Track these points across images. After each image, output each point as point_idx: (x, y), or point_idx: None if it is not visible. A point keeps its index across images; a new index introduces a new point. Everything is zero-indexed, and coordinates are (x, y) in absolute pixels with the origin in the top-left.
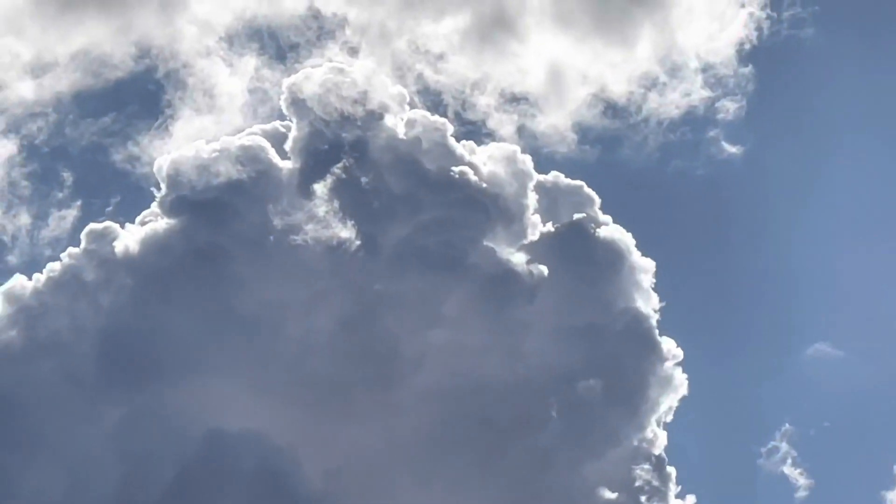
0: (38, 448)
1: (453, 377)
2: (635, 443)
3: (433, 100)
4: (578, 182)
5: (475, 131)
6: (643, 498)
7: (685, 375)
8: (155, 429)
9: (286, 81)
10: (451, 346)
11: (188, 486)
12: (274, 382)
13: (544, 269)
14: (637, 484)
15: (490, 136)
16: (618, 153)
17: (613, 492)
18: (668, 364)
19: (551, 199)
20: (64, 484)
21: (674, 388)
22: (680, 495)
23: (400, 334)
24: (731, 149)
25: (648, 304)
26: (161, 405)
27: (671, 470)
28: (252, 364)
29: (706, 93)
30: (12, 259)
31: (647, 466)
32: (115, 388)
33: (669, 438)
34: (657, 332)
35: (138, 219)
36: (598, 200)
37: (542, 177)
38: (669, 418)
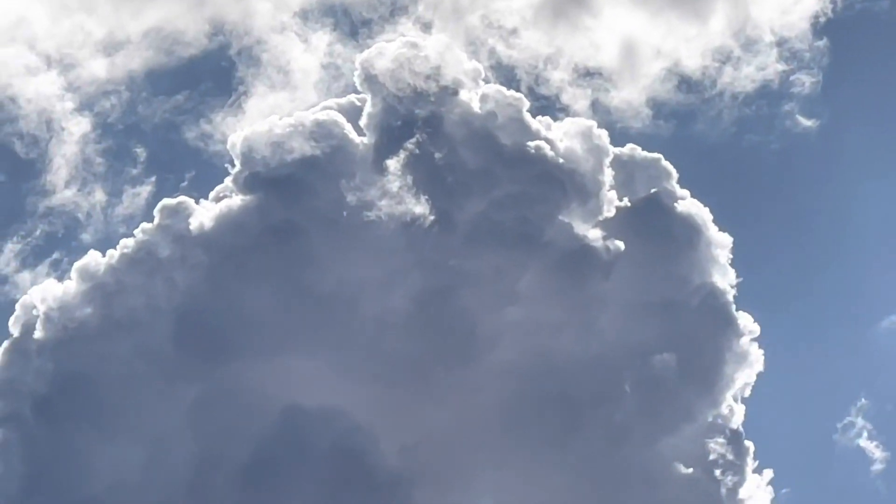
0: (114, 426)
1: (529, 354)
2: (710, 418)
3: (506, 75)
4: (655, 155)
5: (548, 106)
6: (718, 472)
7: (761, 351)
8: (231, 406)
9: (359, 57)
10: (526, 323)
11: (265, 463)
12: (350, 360)
13: (620, 245)
14: (712, 458)
15: (563, 111)
16: (692, 128)
17: (689, 467)
18: (745, 339)
19: (627, 174)
20: (141, 461)
21: (749, 364)
22: (757, 470)
23: (476, 311)
24: (807, 122)
25: (725, 279)
26: (237, 382)
27: (749, 444)
28: (328, 341)
29: (781, 66)
30: (87, 237)
31: (722, 441)
32: (192, 365)
33: (746, 413)
34: (734, 307)
35: (212, 194)
36: (675, 174)
37: (618, 150)
38: (747, 393)
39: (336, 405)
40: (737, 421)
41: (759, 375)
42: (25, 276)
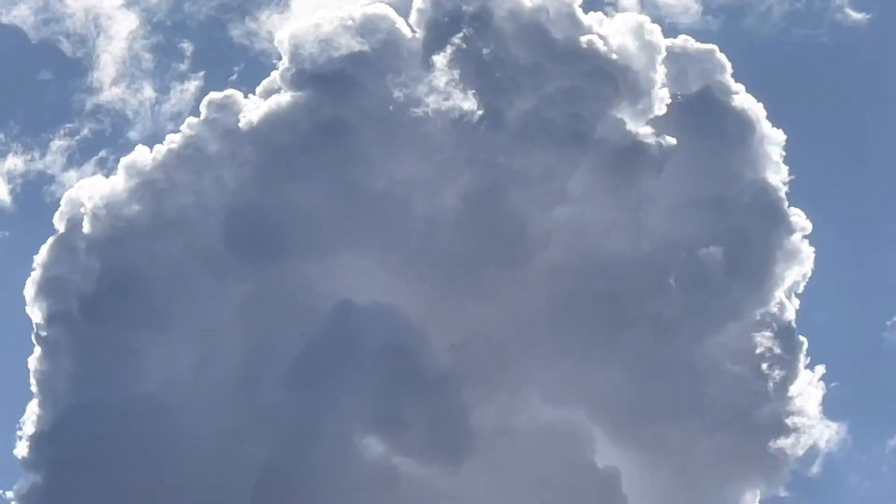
0: (165, 324)
1: (578, 253)
2: (759, 316)
3: None
4: (709, 46)
5: (597, 1)
6: (765, 366)
7: (812, 248)
8: (282, 303)
9: None
10: (576, 222)
11: (315, 360)
12: (400, 258)
13: (672, 141)
14: (759, 352)
15: (612, 5)
16: (741, 23)
17: (737, 364)
18: (796, 237)
19: (680, 68)
20: (191, 359)
21: (800, 262)
22: (809, 366)
23: (525, 210)
24: (857, 16)
25: (777, 176)
26: (288, 280)
27: (802, 340)
28: (378, 240)
29: None
30: (134, 135)
31: (770, 335)
32: (242, 263)
33: (799, 310)
34: (786, 204)
35: (259, 89)
36: (729, 67)
37: (670, 41)
38: (800, 290)
39: (387, 303)
40: (788, 317)
41: (811, 272)
42: (72, 175)
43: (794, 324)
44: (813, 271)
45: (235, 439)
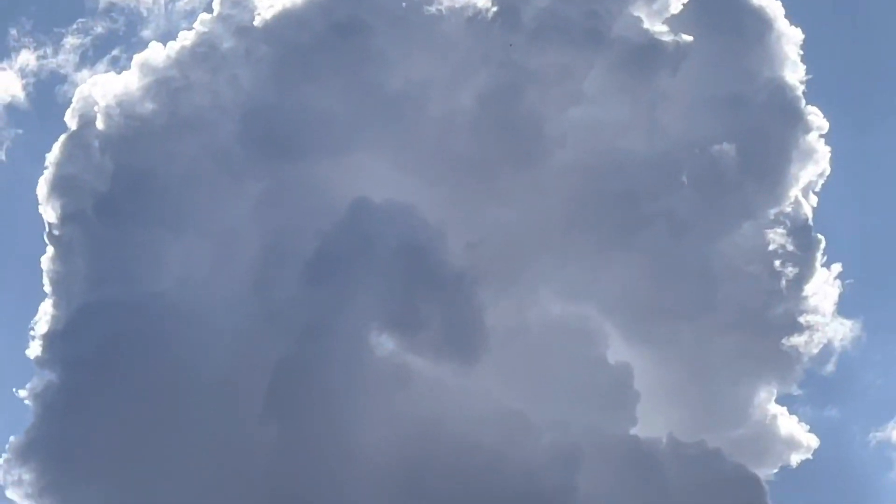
0: (180, 223)
1: (594, 152)
2: (773, 215)
3: None
4: None
5: None
6: (778, 263)
7: (828, 148)
8: (297, 201)
9: None
10: (592, 121)
11: (331, 258)
12: (416, 157)
13: (689, 39)
14: (772, 248)
15: None
16: None
17: (753, 262)
18: (812, 135)
19: None
20: (207, 258)
21: (815, 161)
22: (825, 264)
23: (541, 109)
24: None
25: (794, 74)
26: (304, 179)
27: (819, 238)
28: (394, 139)
29: None
30: (148, 33)
31: (783, 232)
32: (257, 162)
33: (816, 209)
34: (803, 102)
35: None
36: None
37: None
38: (817, 188)
39: (402, 201)
40: (804, 215)
41: (828, 172)
42: (85, 74)
43: (810, 222)
44: (831, 170)
45: (250, 337)
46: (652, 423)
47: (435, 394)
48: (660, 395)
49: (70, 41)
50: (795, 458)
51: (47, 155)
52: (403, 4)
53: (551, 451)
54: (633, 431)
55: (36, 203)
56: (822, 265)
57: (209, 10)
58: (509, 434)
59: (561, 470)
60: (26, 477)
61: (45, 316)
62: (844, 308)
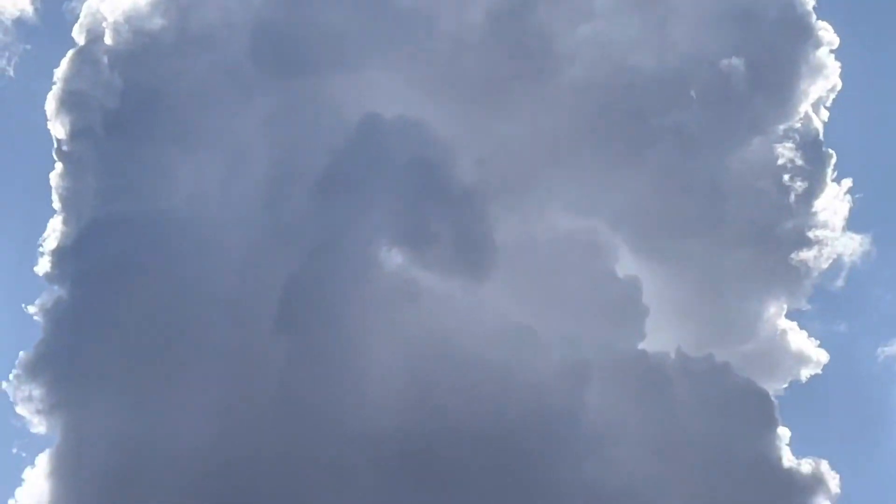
0: (190, 140)
1: (604, 68)
2: (782, 130)
3: None
4: None
5: None
6: (787, 177)
7: (838, 63)
8: (308, 117)
9: None
10: (602, 38)
11: (341, 175)
12: (428, 74)
13: None
14: (780, 163)
15: None
16: None
17: (763, 178)
18: (823, 51)
19: None
20: (218, 174)
21: (825, 76)
22: (836, 179)
23: (551, 27)
24: None
25: None
26: (314, 94)
27: (830, 153)
28: (406, 56)
29: None
30: None
31: (791, 146)
32: (268, 78)
33: (827, 124)
34: (813, 17)
35: None
36: None
37: None
38: (827, 104)
39: (413, 117)
40: (814, 130)
41: (839, 87)
42: None
43: (821, 137)
44: (842, 85)
45: (260, 253)
46: (660, 337)
47: (444, 309)
48: (668, 310)
49: None
50: (805, 373)
51: (56, 71)
52: None
53: (560, 367)
54: (641, 346)
55: (44, 119)
56: (833, 180)
57: None
58: (518, 350)
59: (570, 385)
60: (36, 393)
61: (53, 232)
62: (854, 223)
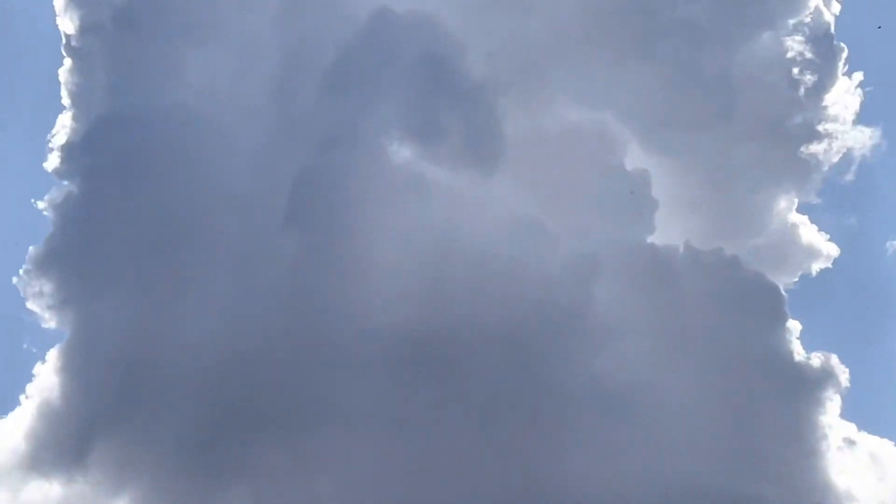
0: (201, 34)
1: None
2: (792, 24)
3: None
4: None
5: None
6: (796, 70)
7: None
8: (319, 10)
9: None
10: None
11: (352, 69)
12: None
13: None
14: (790, 56)
15: None
16: None
17: (773, 72)
18: None
19: None
20: (227, 68)
21: None
22: (847, 73)
23: None
24: None
25: None
26: None
27: (842, 46)
28: None
29: None
30: None
31: (801, 39)
32: None
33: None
34: None
35: None
36: None
37: None
38: None
39: (424, 11)
40: (825, 24)
41: None
42: None
43: (832, 30)
44: None
45: (270, 147)
46: (669, 231)
47: (453, 203)
48: (677, 204)
49: None
50: (815, 267)
51: None
52: None
53: (568, 261)
54: (650, 240)
55: (53, 14)
56: (843, 74)
57: None
58: (526, 243)
59: (578, 279)
60: (47, 288)
61: (63, 129)
62: (864, 116)
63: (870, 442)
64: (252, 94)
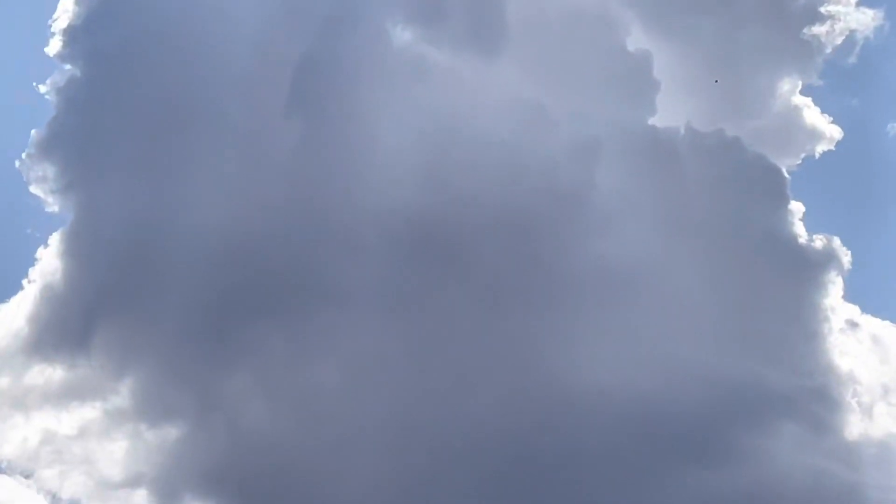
0: None
1: None
2: None
3: None
4: None
5: None
6: None
7: None
8: None
9: None
10: None
11: None
12: None
13: None
14: None
15: None
16: None
17: None
18: None
19: None
20: None
21: None
22: None
23: None
24: None
25: None
26: None
27: None
28: None
29: None
30: None
31: None
32: None
33: None
34: None
35: None
36: None
37: None
38: None
39: None
40: None
41: None
42: None
43: None
44: None
45: (273, 31)
46: (671, 113)
47: (454, 86)
48: (679, 85)
49: None
50: (819, 149)
51: None
52: None
53: (570, 143)
54: (651, 121)
55: None
56: None
57: None
58: (528, 126)
59: (579, 162)
60: (50, 172)
61: (65, 13)
62: None
63: (872, 324)
64: None
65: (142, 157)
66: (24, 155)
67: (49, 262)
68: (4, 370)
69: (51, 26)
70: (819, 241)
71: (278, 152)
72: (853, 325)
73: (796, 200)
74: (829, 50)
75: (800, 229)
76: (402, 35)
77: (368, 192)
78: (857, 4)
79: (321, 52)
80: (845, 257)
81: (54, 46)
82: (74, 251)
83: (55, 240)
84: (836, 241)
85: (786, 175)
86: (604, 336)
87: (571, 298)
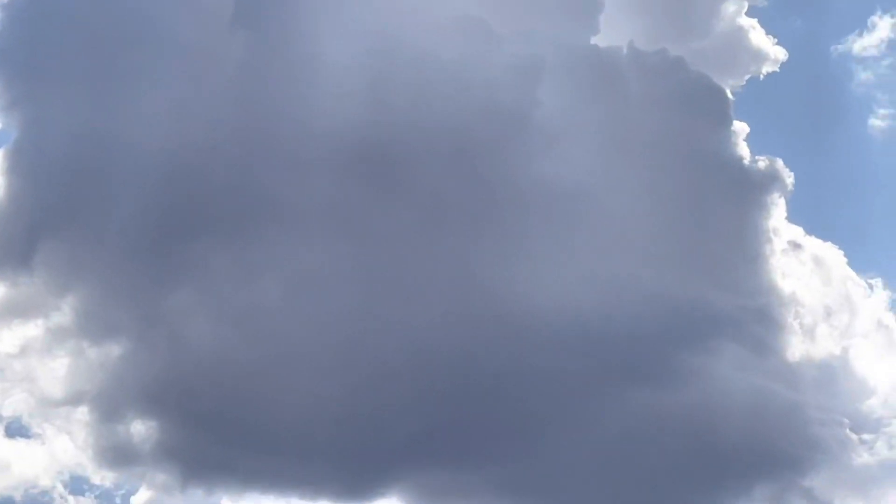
0: None
1: None
2: None
3: None
4: None
5: None
6: None
7: None
8: None
9: None
10: None
11: None
12: None
13: None
14: None
15: None
16: None
17: None
18: None
19: None
20: None
21: None
22: None
23: None
24: None
25: None
26: None
27: None
28: None
29: None
30: None
31: None
32: None
33: None
34: None
35: None
36: None
37: None
38: None
39: None
40: None
41: None
42: None
43: None
44: None
45: None
46: (614, 32)
47: (399, 4)
48: (622, 4)
49: None
50: (764, 70)
51: None
52: None
53: (513, 62)
54: (594, 41)
55: None
56: None
57: None
58: (471, 44)
59: (522, 81)
60: None
61: None
62: None
63: (815, 245)
64: None
65: (86, 74)
66: None
67: None
68: None
69: None
70: (762, 162)
71: (223, 69)
72: (796, 246)
73: (740, 121)
74: None
75: (743, 150)
76: None
77: (312, 110)
78: None
79: None
80: (788, 178)
81: None
82: (18, 168)
83: None
84: (780, 163)
85: (729, 96)
86: (546, 255)
87: (514, 217)
